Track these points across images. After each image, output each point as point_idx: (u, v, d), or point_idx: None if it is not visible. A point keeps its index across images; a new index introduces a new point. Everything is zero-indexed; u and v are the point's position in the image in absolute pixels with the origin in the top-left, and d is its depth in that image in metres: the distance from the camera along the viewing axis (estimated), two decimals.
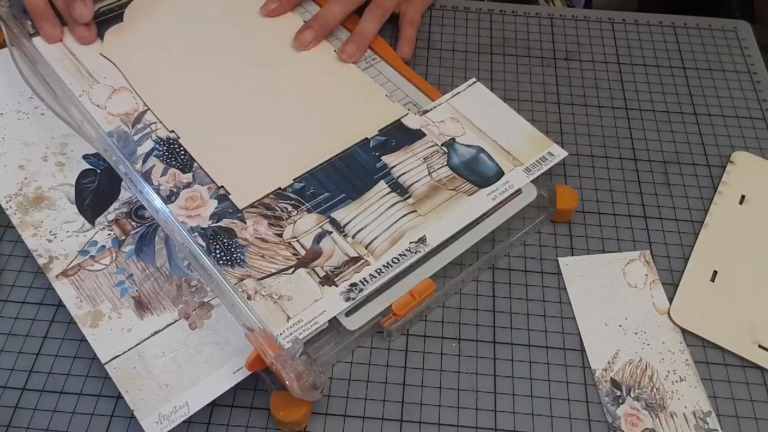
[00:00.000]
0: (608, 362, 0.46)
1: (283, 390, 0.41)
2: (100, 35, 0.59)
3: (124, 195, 0.50)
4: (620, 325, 0.48)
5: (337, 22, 0.61)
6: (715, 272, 0.51)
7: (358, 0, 0.62)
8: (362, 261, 0.47)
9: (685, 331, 0.48)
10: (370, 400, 0.45)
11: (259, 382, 0.44)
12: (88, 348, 0.44)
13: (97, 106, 0.55)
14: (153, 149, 0.52)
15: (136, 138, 0.53)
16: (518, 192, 0.51)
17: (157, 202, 0.47)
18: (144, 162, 0.52)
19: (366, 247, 0.47)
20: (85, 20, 0.57)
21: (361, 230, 0.48)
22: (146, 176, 0.51)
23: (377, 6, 0.62)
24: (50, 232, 0.48)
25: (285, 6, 0.63)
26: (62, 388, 0.44)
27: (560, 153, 0.53)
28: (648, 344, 0.47)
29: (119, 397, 0.44)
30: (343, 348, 0.45)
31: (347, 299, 0.45)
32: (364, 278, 0.46)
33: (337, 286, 0.45)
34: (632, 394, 0.45)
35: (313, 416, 0.44)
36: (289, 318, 0.44)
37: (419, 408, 0.44)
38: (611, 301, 0.49)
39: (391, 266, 0.46)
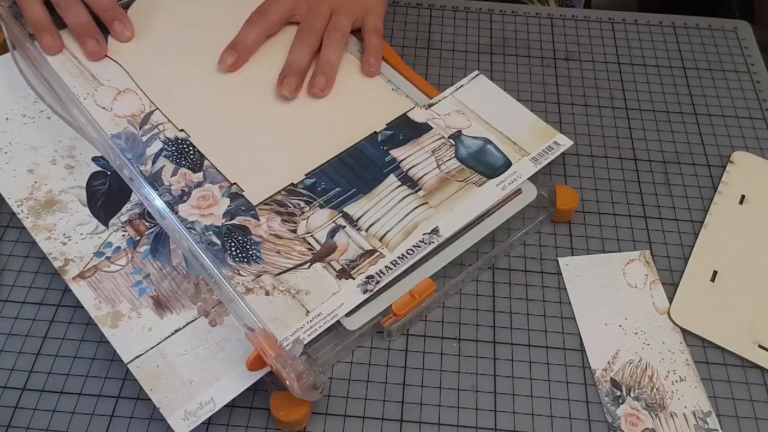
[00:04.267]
0: (608, 362, 0.46)
1: (283, 390, 0.41)
2: (104, 37, 0.59)
3: (136, 196, 0.50)
4: (620, 325, 0.48)
5: (257, 46, 0.59)
6: (715, 272, 0.51)
7: (273, 22, 0.59)
8: (377, 253, 0.47)
9: (685, 331, 0.48)
10: (370, 400, 0.45)
11: (259, 382, 0.44)
12: (88, 348, 0.45)
13: (103, 108, 0.54)
14: (162, 150, 0.52)
15: (144, 139, 0.53)
16: (518, 192, 0.51)
17: (158, 202, 0.47)
18: (154, 163, 0.52)
19: (380, 240, 0.48)
20: (126, 39, 0.59)
21: (374, 223, 0.49)
22: (156, 177, 0.51)
23: (335, 29, 0.59)
24: (64, 234, 0.48)
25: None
26: (62, 388, 0.44)
27: (566, 142, 0.53)
28: (648, 344, 0.47)
29: (119, 397, 0.44)
30: (343, 348, 0.45)
31: (365, 291, 0.45)
32: (380, 270, 0.46)
33: (354, 278, 0.46)
34: (632, 394, 0.45)
35: (313, 416, 0.44)
36: (308, 312, 0.44)
37: (419, 408, 0.44)
38: (611, 301, 0.49)
39: (407, 257, 0.47)
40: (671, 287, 0.50)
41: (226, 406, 0.44)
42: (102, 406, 0.44)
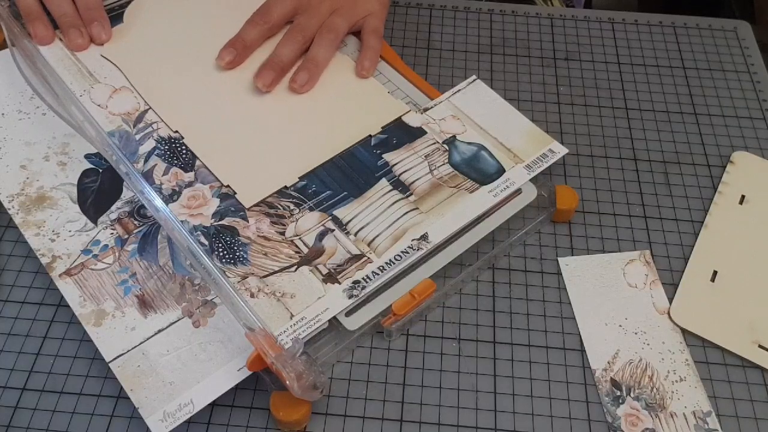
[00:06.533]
0: (608, 362, 0.46)
1: (283, 390, 0.41)
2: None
3: (127, 194, 0.50)
4: (620, 325, 0.48)
5: (256, 45, 0.58)
6: (715, 272, 0.51)
7: (274, 23, 0.58)
8: (365, 258, 0.47)
9: (685, 331, 0.48)
10: (370, 400, 0.45)
11: (259, 382, 0.44)
12: (88, 348, 0.44)
13: (99, 105, 0.55)
14: (155, 148, 0.52)
15: (137, 137, 0.53)
16: (518, 192, 0.51)
17: (158, 201, 0.47)
18: (146, 161, 0.52)
19: (368, 245, 0.47)
20: (101, 42, 0.58)
21: (363, 228, 0.48)
22: (148, 175, 0.51)
23: (328, 29, 0.58)
24: (53, 231, 0.48)
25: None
26: (62, 388, 0.44)
27: (561, 150, 0.53)
28: (648, 344, 0.47)
29: (119, 396, 0.44)
30: (343, 348, 0.45)
31: (350, 296, 0.45)
32: (366, 275, 0.46)
33: (339, 283, 0.46)
34: (632, 394, 0.45)
35: (313, 416, 0.44)
36: (292, 315, 0.44)
37: (419, 408, 0.44)
38: (611, 301, 0.49)
39: (394, 263, 0.46)
40: (671, 287, 0.50)
41: (225, 405, 0.44)
42: (102, 406, 0.44)
